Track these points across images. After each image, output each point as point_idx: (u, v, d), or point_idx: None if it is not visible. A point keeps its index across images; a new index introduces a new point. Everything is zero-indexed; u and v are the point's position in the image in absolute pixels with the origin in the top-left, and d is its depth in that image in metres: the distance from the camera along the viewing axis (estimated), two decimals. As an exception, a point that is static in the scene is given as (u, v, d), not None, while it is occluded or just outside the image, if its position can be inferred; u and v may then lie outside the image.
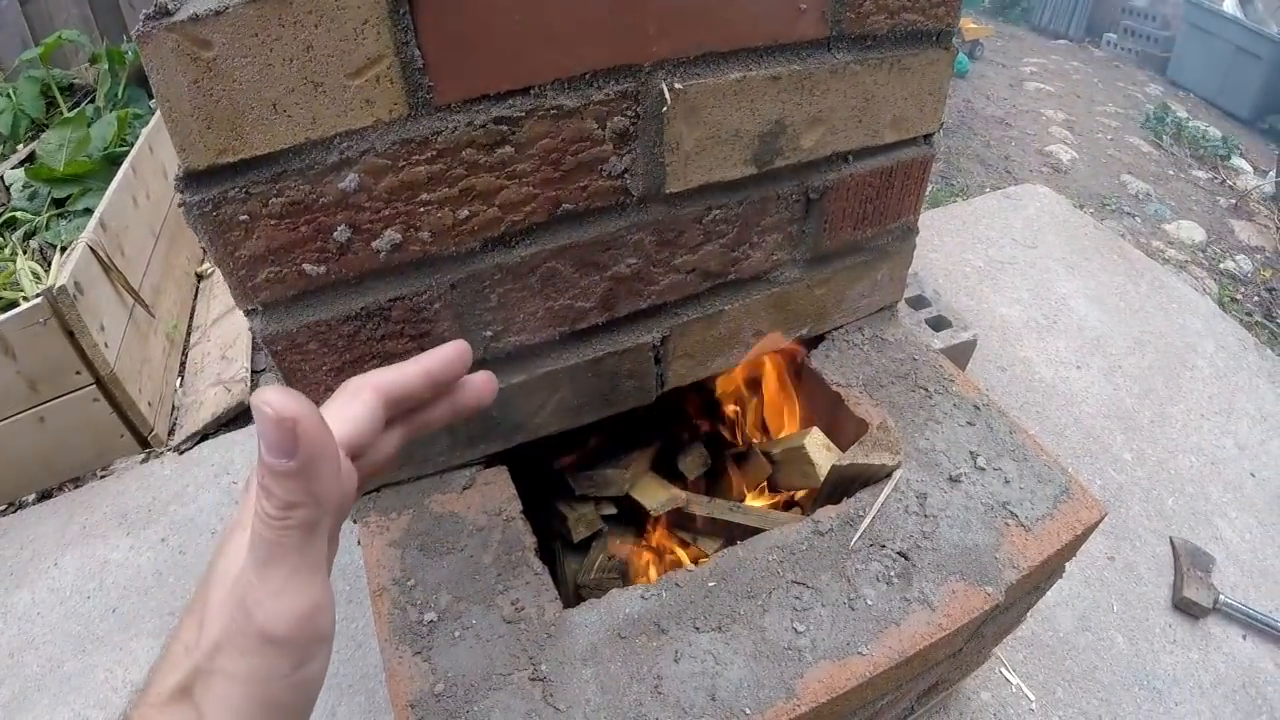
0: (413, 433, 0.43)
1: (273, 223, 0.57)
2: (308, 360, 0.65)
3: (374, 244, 0.61)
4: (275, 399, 0.29)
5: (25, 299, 1.50)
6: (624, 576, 0.94)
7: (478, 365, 0.72)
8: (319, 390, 0.67)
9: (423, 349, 0.67)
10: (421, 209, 0.61)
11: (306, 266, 0.60)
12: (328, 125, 0.54)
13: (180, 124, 0.50)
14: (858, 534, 0.76)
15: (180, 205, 0.54)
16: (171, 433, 1.73)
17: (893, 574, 0.73)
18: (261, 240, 0.57)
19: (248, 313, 0.61)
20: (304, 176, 0.55)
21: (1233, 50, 3.76)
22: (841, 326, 0.97)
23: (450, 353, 0.42)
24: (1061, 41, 4.80)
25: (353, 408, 0.37)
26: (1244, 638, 1.35)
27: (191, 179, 0.53)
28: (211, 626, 0.32)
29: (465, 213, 0.62)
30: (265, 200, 0.55)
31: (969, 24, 4.10)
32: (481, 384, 0.45)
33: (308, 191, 0.56)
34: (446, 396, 0.43)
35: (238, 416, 1.78)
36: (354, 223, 0.59)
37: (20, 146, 2.20)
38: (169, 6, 0.48)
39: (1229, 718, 1.23)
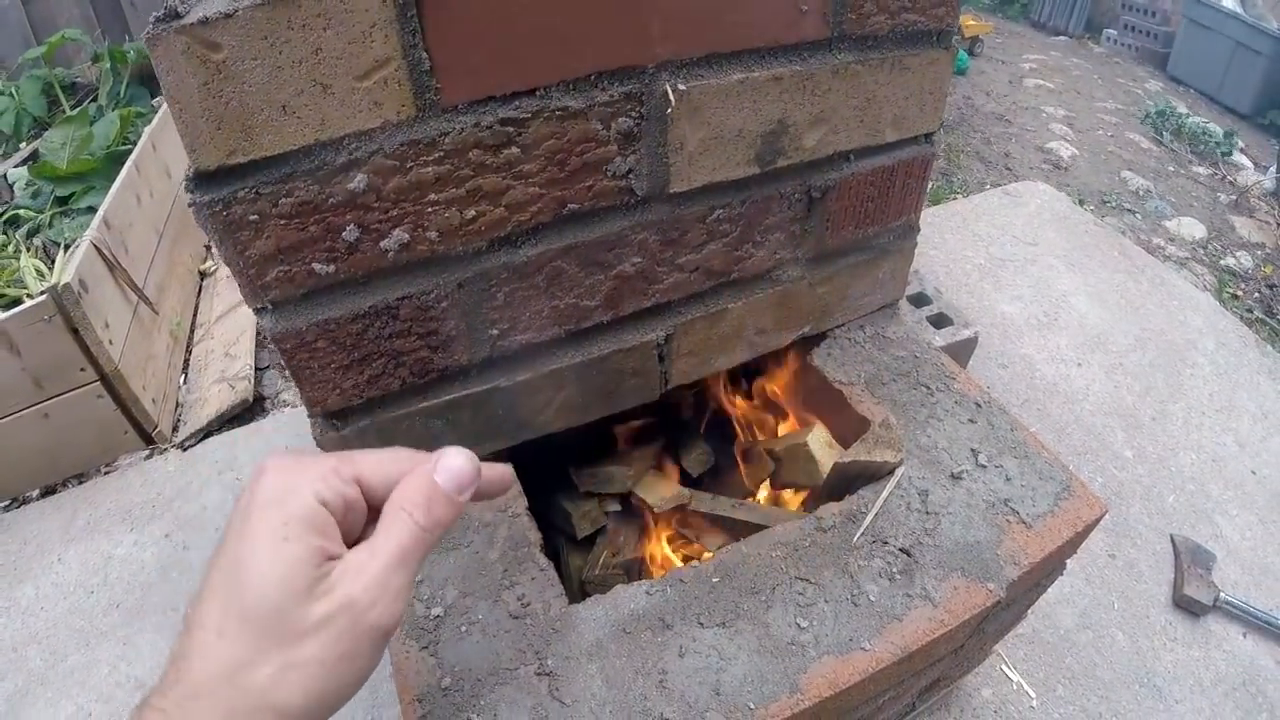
0: None
1: (282, 222, 0.57)
2: (316, 358, 0.65)
3: (382, 243, 0.61)
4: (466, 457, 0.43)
5: (30, 296, 1.51)
6: (629, 572, 0.95)
7: (483, 363, 0.74)
8: (328, 387, 0.67)
9: (430, 347, 0.69)
10: (429, 209, 0.61)
11: (315, 265, 0.60)
12: (336, 127, 0.55)
13: (190, 125, 0.51)
14: (860, 530, 0.77)
15: (190, 205, 0.55)
16: (175, 429, 1.74)
17: (895, 570, 0.74)
18: (271, 240, 0.58)
19: (257, 311, 0.62)
20: (313, 177, 0.56)
21: (1232, 46, 3.76)
22: (844, 324, 0.98)
23: (498, 475, 0.48)
24: (1061, 38, 4.80)
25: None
26: (1244, 636, 1.35)
27: (201, 179, 0.54)
28: (266, 630, 0.36)
29: (472, 213, 0.63)
30: (275, 200, 0.56)
31: (969, 20, 4.10)
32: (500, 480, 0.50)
33: (317, 192, 0.57)
34: None
35: (241, 413, 1.79)
36: (362, 222, 0.60)
37: (23, 145, 2.21)
38: (179, 9, 0.49)
39: (1229, 715, 1.24)
